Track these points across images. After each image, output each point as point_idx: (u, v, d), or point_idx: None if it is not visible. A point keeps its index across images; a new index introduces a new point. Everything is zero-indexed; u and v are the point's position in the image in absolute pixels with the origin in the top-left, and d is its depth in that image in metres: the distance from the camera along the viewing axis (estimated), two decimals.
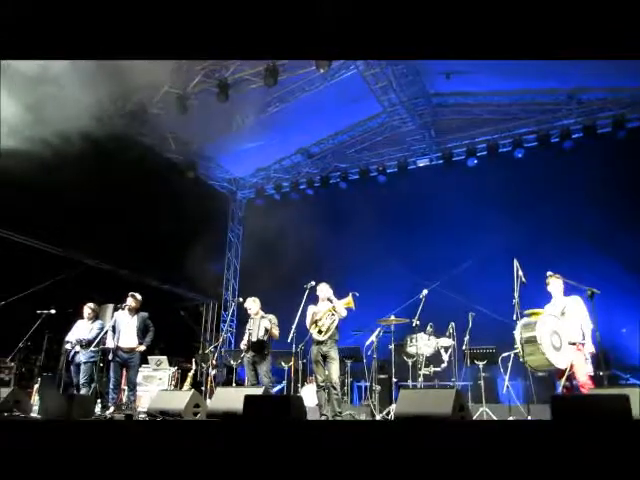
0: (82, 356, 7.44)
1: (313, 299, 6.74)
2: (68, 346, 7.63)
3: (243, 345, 6.98)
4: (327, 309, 6.49)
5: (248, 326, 7.06)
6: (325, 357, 6.39)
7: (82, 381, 7.35)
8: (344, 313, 6.53)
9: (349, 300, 6.52)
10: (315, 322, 6.50)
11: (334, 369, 6.33)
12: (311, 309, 6.66)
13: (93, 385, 7.39)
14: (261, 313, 7.13)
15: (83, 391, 7.29)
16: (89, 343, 7.38)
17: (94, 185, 9.33)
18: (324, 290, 6.67)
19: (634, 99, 9.62)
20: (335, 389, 6.27)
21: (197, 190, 12.35)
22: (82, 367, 7.40)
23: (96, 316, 7.91)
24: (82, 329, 7.67)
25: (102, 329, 7.50)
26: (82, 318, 7.82)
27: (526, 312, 5.48)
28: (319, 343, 6.44)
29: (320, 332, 6.42)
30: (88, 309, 7.77)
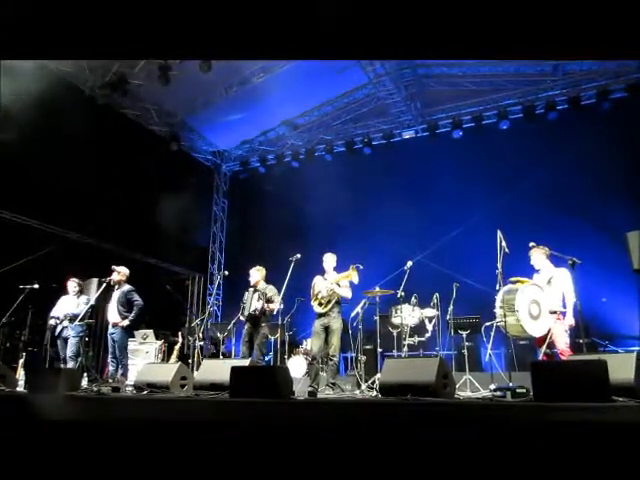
0: (71, 330, 7.42)
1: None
2: (52, 322, 7.58)
3: (241, 316, 6.93)
4: (328, 286, 6.40)
5: (244, 297, 6.97)
6: (327, 328, 6.33)
7: (69, 355, 7.34)
8: (349, 295, 6.48)
9: (349, 273, 6.40)
10: (315, 295, 6.48)
11: (335, 341, 6.26)
12: (315, 280, 6.61)
13: (79, 359, 7.39)
14: (261, 285, 6.98)
15: (70, 365, 7.29)
16: (76, 317, 7.37)
17: (76, 159, 9.19)
18: (328, 261, 6.64)
19: (619, 69, 9.62)
20: (332, 360, 6.27)
21: (181, 163, 12.22)
22: (70, 341, 7.39)
23: (81, 291, 7.86)
24: (68, 304, 7.62)
25: (88, 304, 7.48)
26: (66, 293, 7.78)
27: (510, 279, 5.57)
28: (321, 315, 6.38)
29: (320, 304, 6.38)
30: (73, 284, 7.71)
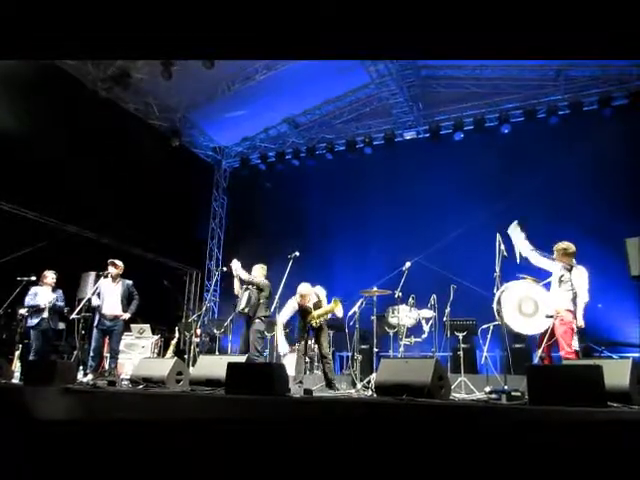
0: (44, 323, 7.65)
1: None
2: (46, 315, 7.65)
3: (235, 311, 7.00)
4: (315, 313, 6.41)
5: (239, 293, 7.04)
6: (317, 329, 6.43)
7: (37, 347, 7.57)
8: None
9: (332, 307, 6.35)
10: (312, 315, 6.41)
11: (324, 340, 6.41)
12: (291, 303, 6.55)
13: (75, 352, 7.41)
14: (259, 280, 7.02)
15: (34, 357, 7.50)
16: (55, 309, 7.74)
17: (77, 152, 9.20)
18: (307, 295, 6.43)
19: (621, 76, 9.65)
20: (326, 358, 6.36)
21: (181, 158, 12.21)
22: (37, 333, 7.60)
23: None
24: (48, 296, 7.76)
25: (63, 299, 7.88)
26: (40, 284, 7.84)
27: (519, 275, 5.55)
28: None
29: (316, 323, 6.45)
30: (53, 276, 7.84)
